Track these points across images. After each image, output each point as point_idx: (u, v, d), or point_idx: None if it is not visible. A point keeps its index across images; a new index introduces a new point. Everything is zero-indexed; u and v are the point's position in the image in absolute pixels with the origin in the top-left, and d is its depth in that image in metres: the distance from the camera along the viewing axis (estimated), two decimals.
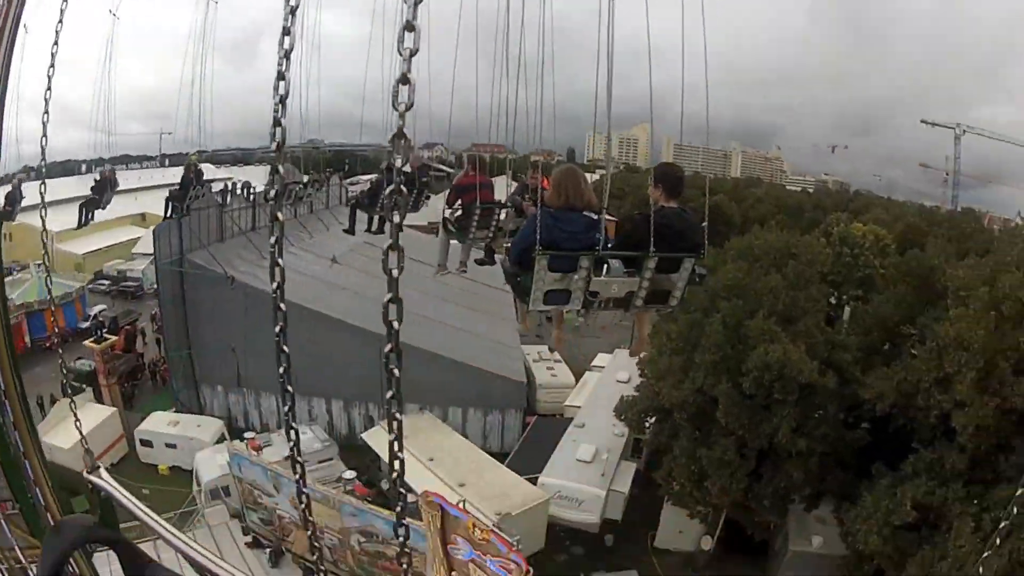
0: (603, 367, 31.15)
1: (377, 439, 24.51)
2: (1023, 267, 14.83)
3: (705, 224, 5.29)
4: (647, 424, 22.03)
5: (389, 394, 2.00)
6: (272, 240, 2.29)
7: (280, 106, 2.41)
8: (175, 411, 28.37)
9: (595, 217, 5.03)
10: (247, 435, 24.17)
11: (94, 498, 4.71)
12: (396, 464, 2.04)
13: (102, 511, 4.40)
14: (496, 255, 8.56)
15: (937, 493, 14.35)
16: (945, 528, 13.93)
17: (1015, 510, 2.84)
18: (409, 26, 2.00)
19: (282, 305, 2.22)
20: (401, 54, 2.03)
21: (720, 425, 17.96)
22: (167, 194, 26.35)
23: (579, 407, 27.11)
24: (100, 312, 43.40)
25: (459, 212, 9.52)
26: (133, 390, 32.46)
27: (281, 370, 2.17)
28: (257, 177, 43.56)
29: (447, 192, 10.05)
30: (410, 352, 15.01)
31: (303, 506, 2.35)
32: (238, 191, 34.27)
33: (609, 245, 5.03)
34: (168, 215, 25.88)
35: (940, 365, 14.65)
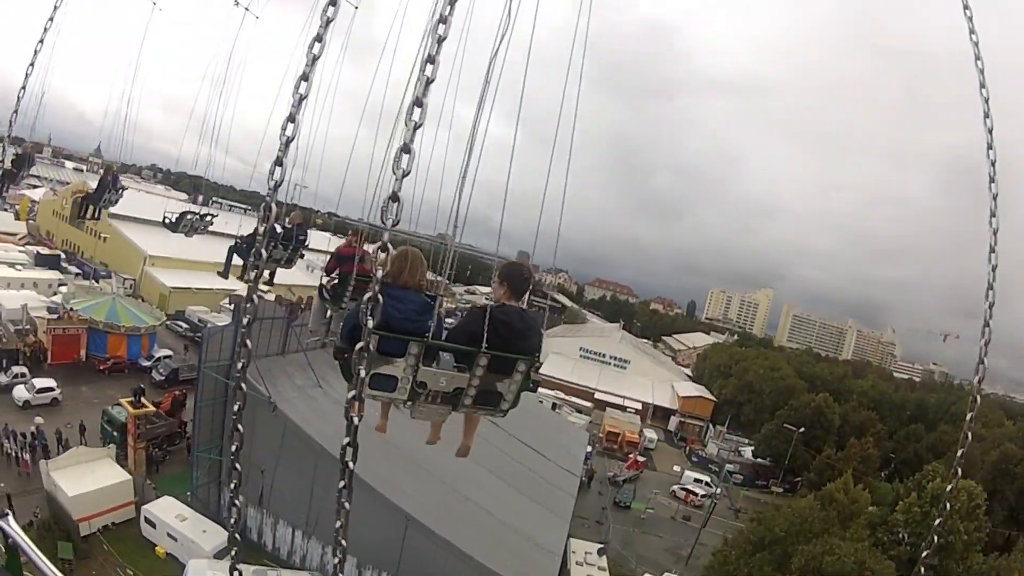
0: None
1: None
2: None
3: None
4: None
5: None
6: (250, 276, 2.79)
7: (284, 148, 2.69)
8: (190, 498, 28.40)
9: (431, 300, 5.04)
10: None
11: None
12: None
13: (8, 558, 4.38)
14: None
15: None
16: None
17: None
18: (418, 102, 2.51)
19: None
20: (406, 125, 2.48)
21: None
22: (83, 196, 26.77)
23: None
24: (164, 357, 45.83)
25: (335, 281, 10.03)
26: (165, 455, 32.99)
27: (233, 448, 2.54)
28: None
29: (328, 259, 10.62)
30: (430, 538, 22.70)
31: None
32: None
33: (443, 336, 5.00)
34: (81, 214, 26.20)
35: None
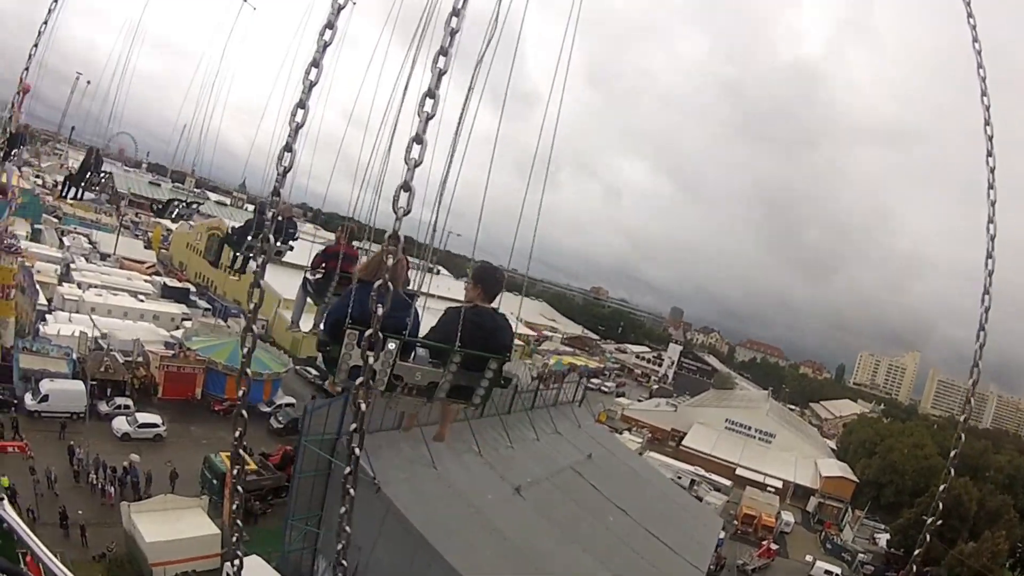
0: None
1: None
2: None
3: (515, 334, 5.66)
4: None
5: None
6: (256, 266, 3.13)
7: (295, 134, 2.79)
8: (275, 566, 26.72)
9: (408, 298, 5.48)
10: None
11: None
12: None
13: (1, 543, 4.50)
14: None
15: None
16: None
17: None
18: (418, 138, 2.78)
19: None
20: (407, 163, 2.79)
21: None
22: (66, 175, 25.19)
23: None
24: (285, 405, 44.95)
25: (320, 275, 10.72)
26: (267, 509, 32.20)
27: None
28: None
29: (314, 255, 11.18)
30: None
31: None
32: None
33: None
34: (63, 194, 24.56)
35: None
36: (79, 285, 52.69)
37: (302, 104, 2.80)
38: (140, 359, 42.31)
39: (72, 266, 57.25)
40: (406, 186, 2.85)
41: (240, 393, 3.05)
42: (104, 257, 66.90)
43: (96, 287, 53.27)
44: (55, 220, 74.14)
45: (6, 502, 4.24)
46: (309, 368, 54.57)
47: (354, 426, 2.92)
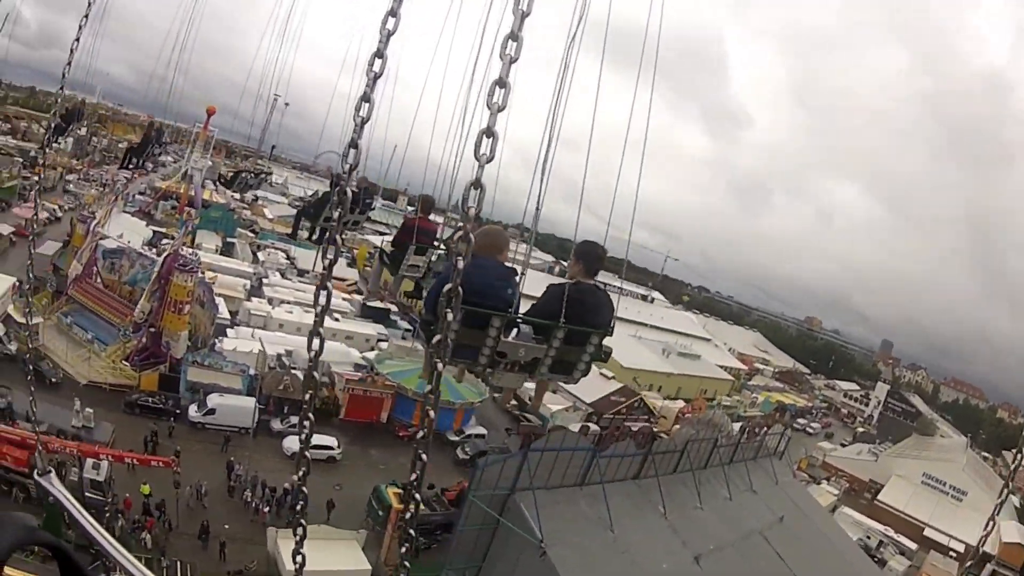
0: None
1: None
2: None
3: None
4: None
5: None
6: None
7: (372, 84, 2.64)
8: None
9: (510, 266, 5.53)
10: None
11: None
12: None
13: (47, 517, 5.59)
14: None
15: None
16: None
17: None
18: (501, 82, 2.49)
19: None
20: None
21: None
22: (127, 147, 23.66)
23: None
24: (475, 436, 44.13)
25: (394, 248, 10.56)
26: (432, 544, 31.17)
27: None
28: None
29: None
30: None
31: None
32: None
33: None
34: (124, 165, 22.66)
35: None
36: (269, 301, 53.79)
37: (380, 54, 2.71)
38: (325, 379, 42.49)
39: (265, 281, 58.88)
40: (489, 131, 2.51)
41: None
42: (302, 273, 67.36)
43: (288, 303, 53.96)
44: (250, 234, 76.40)
45: (54, 475, 4.21)
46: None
47: (429, 388, 2.74)
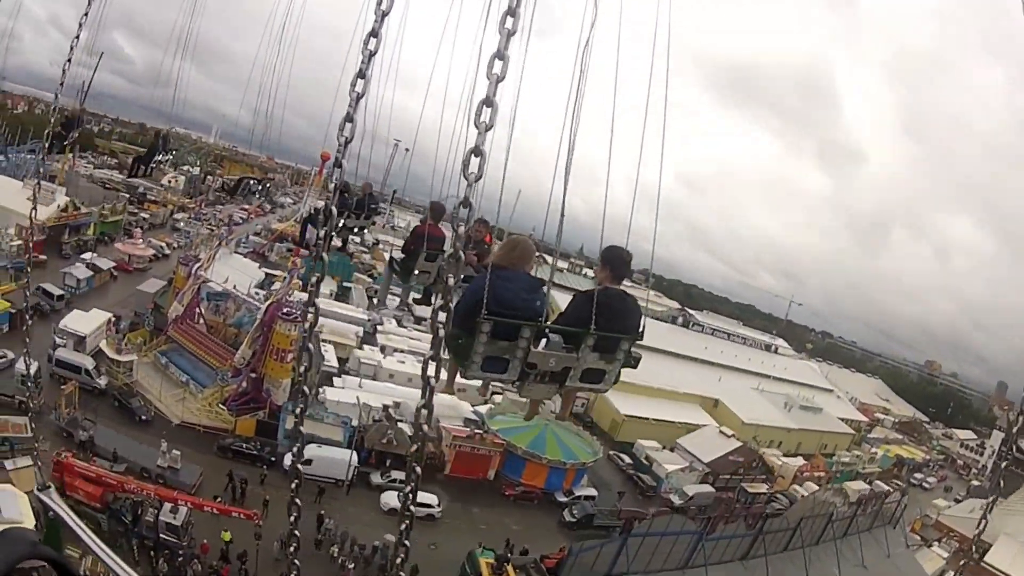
0: None
1: None
2: None
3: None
4: None
5: None
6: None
7: (355, 104, 3.02)
8: None
9: (538, 281, 5.51)
10: None
11: None
12: None
13: (47, 531, 4.95)
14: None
15: None
16: None
17: None
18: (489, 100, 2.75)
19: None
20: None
21: None
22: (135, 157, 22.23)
23: None
24: (585, 498, 42.15)
25: (405, 255, 10.81)
26: None
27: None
28: None
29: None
30: None
31: None
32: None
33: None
34: (132, 174, 20.77)
35: None
36: (382, 349, 52.60)
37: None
38: (433, 434, 40.82)
39: (379, 328, 57.72)
40: (477, 150, 2.80)
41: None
42: (419, 321, 65.76)
43: (401, 352, 52.67)
44: (368, 279, 75.44)
45: (54, 490, 4.36)
46: (623, 455, 52.12)
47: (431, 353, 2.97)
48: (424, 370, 2.94)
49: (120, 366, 38.33)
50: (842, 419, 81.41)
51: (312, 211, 18.37)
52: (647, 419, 56.55)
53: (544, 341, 5.11)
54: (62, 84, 7.13)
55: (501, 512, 37.97)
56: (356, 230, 15.49)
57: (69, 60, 6.73)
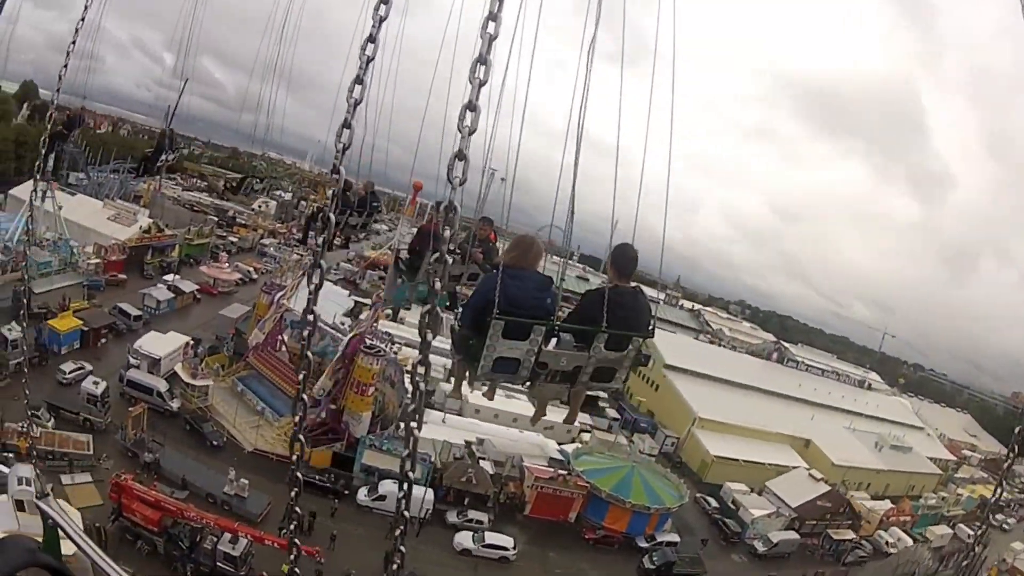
0: None
1: None
2: None
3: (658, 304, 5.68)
4: None
5: None
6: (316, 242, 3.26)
7: (352, 110, 2.95)
8: None
9: (547, 276, 5.43)
10: None
11: None
12: None
13: (46, 540, 4.61)
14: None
15: None
16: None
17: None
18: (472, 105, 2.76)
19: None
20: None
21: None
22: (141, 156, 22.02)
23: None
24: (667, 544, 40.61)
25: (410, 255, 11.07)
26: None
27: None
28: None
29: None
30: None
31: None
32: None
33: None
34: (139, 173, 20.06)
35: None
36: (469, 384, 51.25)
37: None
38: (515, 475, 40.69)
39: None
40: (460, 155, 2.82)
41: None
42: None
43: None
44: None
45: (52, 498, 4.37)
46: (710, 498, 50.17)
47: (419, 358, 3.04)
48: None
49: (195, 390, 38.35)
50: (931, 458, 78.48)
51: (314, 210, 18.33)
52: (737, 460, 55.00)
53: (554, 340, 5.18)
54: (61, 81, 7.07)
55: (578, 556, 37.10)
56: (357, 227, 15.48)
57: (68, 58, 6.69)
